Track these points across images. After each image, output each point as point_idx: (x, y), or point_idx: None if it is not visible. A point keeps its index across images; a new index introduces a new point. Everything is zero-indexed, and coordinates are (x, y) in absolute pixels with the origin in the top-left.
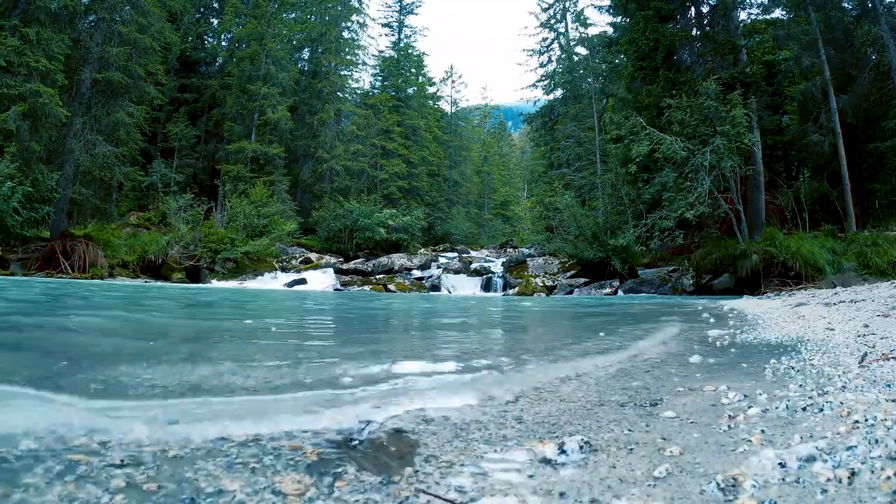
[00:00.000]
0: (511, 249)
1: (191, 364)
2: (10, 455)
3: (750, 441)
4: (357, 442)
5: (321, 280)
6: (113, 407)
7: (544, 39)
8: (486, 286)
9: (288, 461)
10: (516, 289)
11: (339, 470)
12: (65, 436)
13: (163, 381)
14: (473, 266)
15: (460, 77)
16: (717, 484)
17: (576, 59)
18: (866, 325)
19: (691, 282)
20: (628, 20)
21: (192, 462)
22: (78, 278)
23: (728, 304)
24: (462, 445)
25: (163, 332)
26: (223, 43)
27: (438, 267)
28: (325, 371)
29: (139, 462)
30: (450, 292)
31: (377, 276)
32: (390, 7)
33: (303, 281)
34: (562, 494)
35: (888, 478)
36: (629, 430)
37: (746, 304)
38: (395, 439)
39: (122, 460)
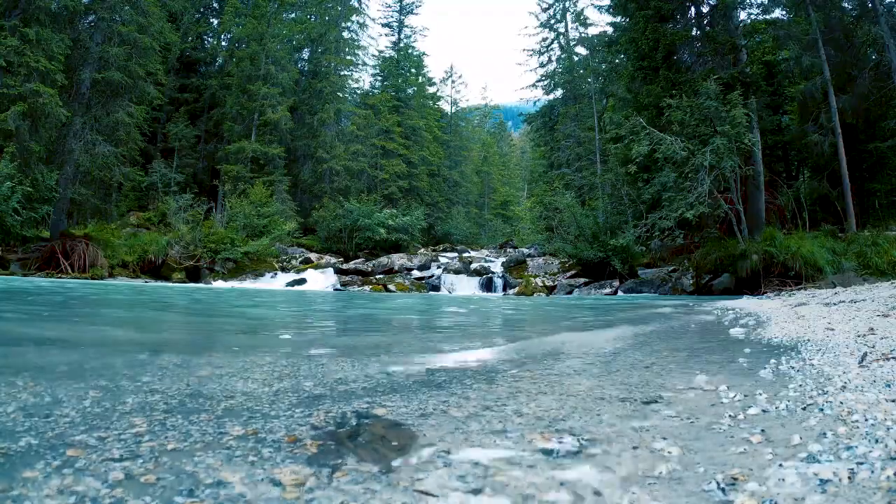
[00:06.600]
0: (511, 249)
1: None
2: None
3: (750, 441)
4: (357, 433)
5: (321, 280)
6: None
7: (544, 39)
8: (486, 286)
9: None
10: (516, 289)
11: (339, 461)
12: None
13: None
14: (473, 266)
15: (460, 77)
16: (717, 483)
17: (576, 59)
18: (871, 328)
19: (691, 282)
20: (628, 20)
21: None
22: (78, 278)
23: (728, 304)
24: (462, 437)
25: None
26: (223, 43)
27: (438, 267)
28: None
29: None
30: (450, 292)
31: (377, 276)
32: (390, 7)
33: (303, 281)
34: (562, 484)
35: (888, 478)
36: (629, 428)
37: (746, 305)
38: (395, 430)
39: None
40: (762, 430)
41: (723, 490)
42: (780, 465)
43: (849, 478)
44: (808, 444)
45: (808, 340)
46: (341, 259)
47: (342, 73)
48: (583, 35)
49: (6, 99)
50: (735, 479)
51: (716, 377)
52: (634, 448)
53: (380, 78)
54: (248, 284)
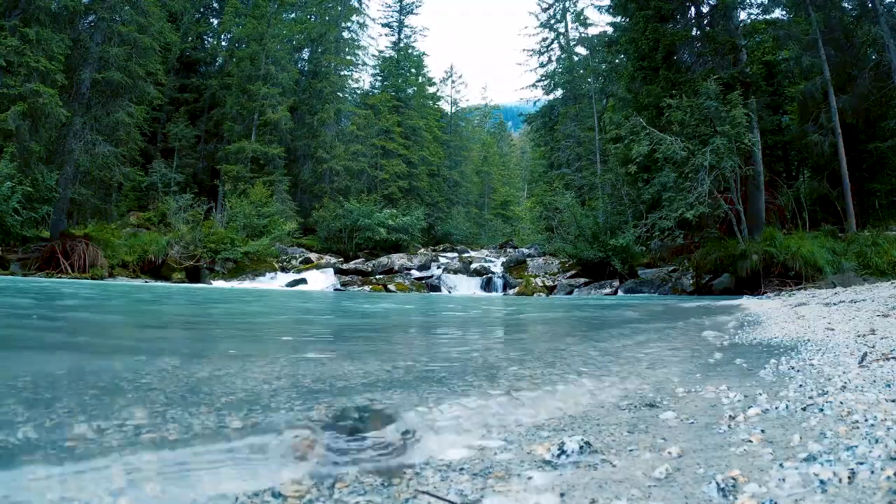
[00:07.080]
0: (511, 249)
1: None
2: None
3: (750, 441)
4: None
5: (321, 280)
6: None
7: (544, 39)
8: (486, 286)
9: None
10: (516, 289)
11: (340, 471)
12: None
13: None
14: (473, 266)
15: (460, 77)
16: (717, 484)
17: (576, 59)
18: (871, 328)
19: (691, 282)
20: (628, 20)
21: None
22: (78, 278)
23: (728, 304)
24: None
25: None
26: (223, 43)
27: (438, 267)
28: None
29: None
30: (450, 292)
31: (377, 276)
32: (390, 7)
33: (303, 281)
34: (562, 495)
35: (888, 478)
36: (628, 432)
37: (746, 305)
38: (397, 438)
39: None
40: (762, 431)
41: (723, 491)
42: (781, 465)
43: (849, 478)
44: (809, 445)
45: (808, 340)
46: (341, 259)
47: (342, 73)
48: (583, 35)
49: (6, 99)
50: (735, 479)
51: (715, 378)
52: (631, 451)
53: (380, 78)
54: (248, 284)
